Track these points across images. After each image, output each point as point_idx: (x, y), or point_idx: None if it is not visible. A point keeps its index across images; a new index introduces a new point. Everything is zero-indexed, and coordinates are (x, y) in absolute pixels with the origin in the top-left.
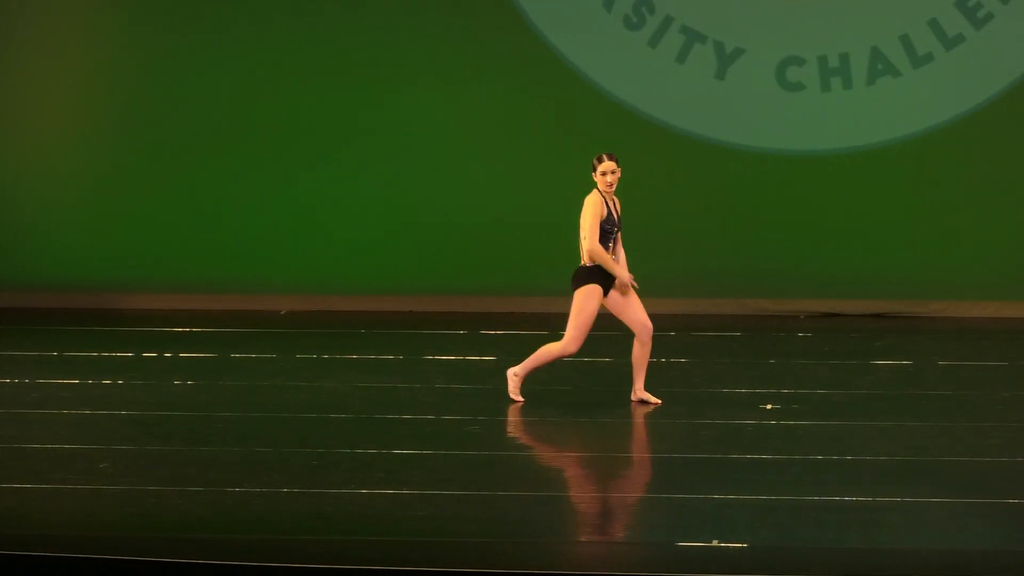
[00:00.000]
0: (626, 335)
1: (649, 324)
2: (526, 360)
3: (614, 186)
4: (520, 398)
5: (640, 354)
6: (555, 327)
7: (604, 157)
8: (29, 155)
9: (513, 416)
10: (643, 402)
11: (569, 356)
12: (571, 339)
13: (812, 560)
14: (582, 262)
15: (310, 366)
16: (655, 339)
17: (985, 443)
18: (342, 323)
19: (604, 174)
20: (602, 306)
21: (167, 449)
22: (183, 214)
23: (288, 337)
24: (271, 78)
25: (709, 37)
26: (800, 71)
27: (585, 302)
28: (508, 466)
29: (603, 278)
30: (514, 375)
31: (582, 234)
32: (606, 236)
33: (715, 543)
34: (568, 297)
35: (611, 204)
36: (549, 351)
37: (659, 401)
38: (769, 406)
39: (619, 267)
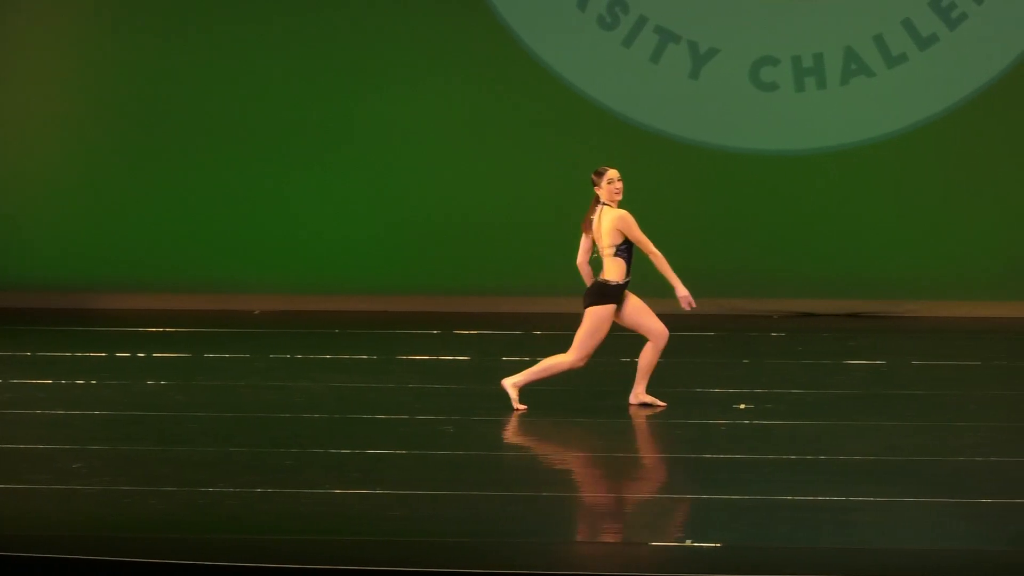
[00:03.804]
0: (613, 337)
1: (666, 330)
2: (527, 371)
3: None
4: (522, 406)
5: (651, 359)
6: (530, 326)
7: (608, 168)
8: (4, 156)
9: (487, 416)
10: (645, 405)
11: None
12: (581, 356)
13: (786, 560)
14: (603, 277)
15: (284, 366)
16: (642, 339)
17: (959, 443)
18: (316, 323)
19: (611, 181)
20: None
21: (141, 449)
22: (155, 215)
23: (262, 337)
24: (249, 80)
25: (683, 37)
26: (774, 71)
27: (602, 323)
28: (482, 466)
29: (619, 296)
30: (513, 386)
31: (606, 250)
32: (631, 253)
33: (689, 543)
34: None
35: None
36: (557, 365)
37: (664, 404)
38: (743, 406)
39: (680, 282)
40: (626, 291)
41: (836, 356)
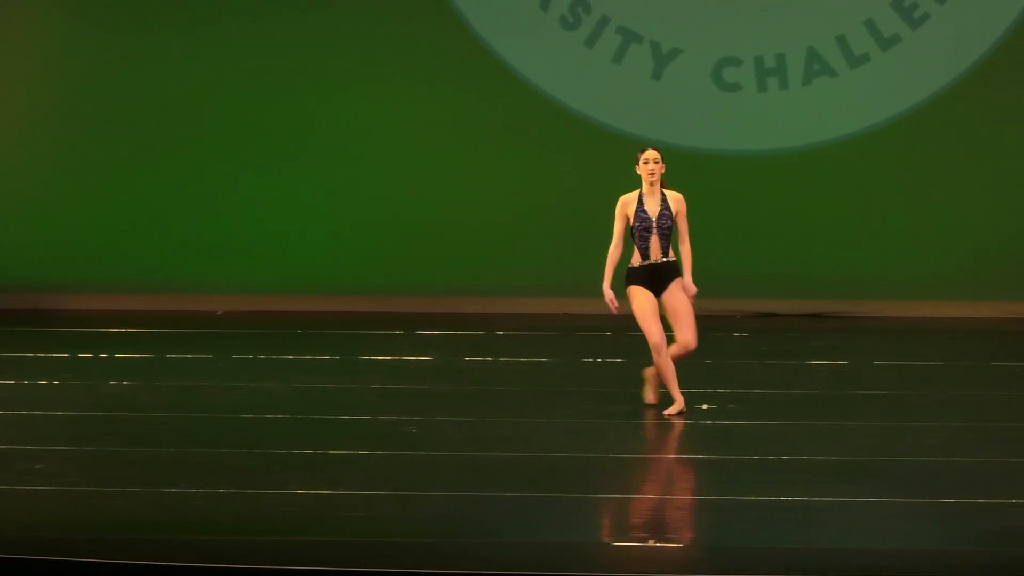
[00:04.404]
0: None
1: (689, 343)
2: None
3: (654, 175)
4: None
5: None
6: (492, 327)
7: (647, 148)
8: None
9: (450, 416)
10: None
11: (660, 349)
12: (652, 342)
13: (749, 560)
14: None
15: (247, 367)
16: (589, 339)
17: (921, 443)
18: (278, 324)
19: (646, 162)
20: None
21: (104, 450)
22: (116, 215)
23: (224, 338)
24: (212, 81)
25: (645, 37)
26: (737, 71)
27: (634, 303)
28: (444, 467)
29: (645, 280)
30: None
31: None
32: (641, 236)
33: (651, 543)
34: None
35: (640, 200)
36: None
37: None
38: (705, 406)
39: (605, 282)
40: (670, 279)
41: (799, 356)
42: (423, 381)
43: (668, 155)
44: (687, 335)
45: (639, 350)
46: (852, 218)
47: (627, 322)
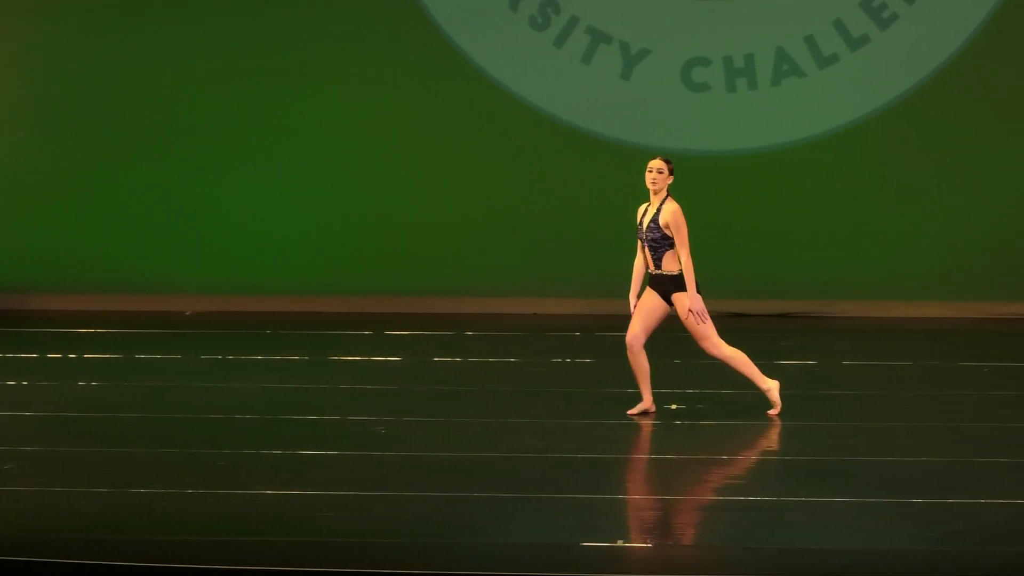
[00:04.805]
0: (545, 336)
1: (709, 351)
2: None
3: (655, 184)
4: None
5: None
6: (462, 327)
7: (657, 156)
8: None
9: (419, 417)
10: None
11: (629, 347)
12: (629, 337)
13: (717, 560)
14: None
15: (216, 367)
16: (559, 339)
17: (890, 443)
18: (247, 324)
19: (649, 171)
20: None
21: (73, 450)
22: (85, 215)
23: (193, 338)
24: (181, 80)
25: (615, 37)
26: (705, 72)
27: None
28: (414, 467)
29: (654, 284)
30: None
31: None
32: (639, 246)
33: (620, 543)
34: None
35: (645, 209)
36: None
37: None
38: (674, 406)
39: (631, 292)
40: (671, 292)
41: (768, 356)
42: (392, 381)
43: (636, 155)
44: (704, 346)
45: (608, 350)
46: (820, 218)
47: (597, 322)
